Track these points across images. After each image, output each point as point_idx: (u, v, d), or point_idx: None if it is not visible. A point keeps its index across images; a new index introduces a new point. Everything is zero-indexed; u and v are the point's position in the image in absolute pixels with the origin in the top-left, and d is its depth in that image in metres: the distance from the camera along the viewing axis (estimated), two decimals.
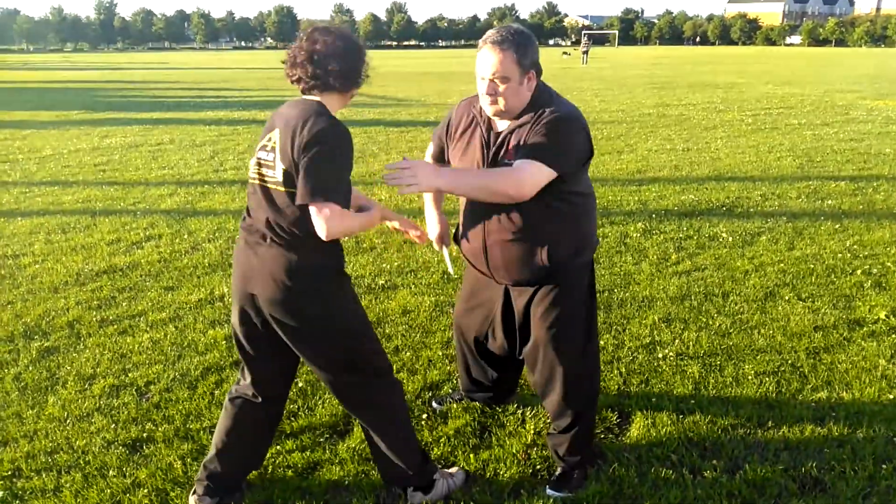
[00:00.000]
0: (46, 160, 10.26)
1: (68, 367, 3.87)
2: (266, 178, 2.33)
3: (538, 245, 2.62)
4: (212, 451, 2.67)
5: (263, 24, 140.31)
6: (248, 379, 2.61)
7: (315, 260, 2.34)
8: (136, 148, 11.33)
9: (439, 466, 2.88)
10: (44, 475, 2.93)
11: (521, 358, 2.94)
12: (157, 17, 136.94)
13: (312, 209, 2.21)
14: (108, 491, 2.82)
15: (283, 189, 2.28)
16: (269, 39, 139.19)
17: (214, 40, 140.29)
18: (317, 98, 2.35)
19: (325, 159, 2.19)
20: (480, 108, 2.63)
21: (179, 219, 6.96)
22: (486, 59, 2.48)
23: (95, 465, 2.99)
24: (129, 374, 3.79)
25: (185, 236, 6.35)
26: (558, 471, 2.90)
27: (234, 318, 2.52)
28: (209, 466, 2.67)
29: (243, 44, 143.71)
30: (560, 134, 2.49)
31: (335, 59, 2.28)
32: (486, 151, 2.60)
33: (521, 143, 2.50)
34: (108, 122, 14.68)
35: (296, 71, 2.32)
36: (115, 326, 4.41)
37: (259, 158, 2.37)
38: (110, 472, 2.94)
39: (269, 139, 2.34)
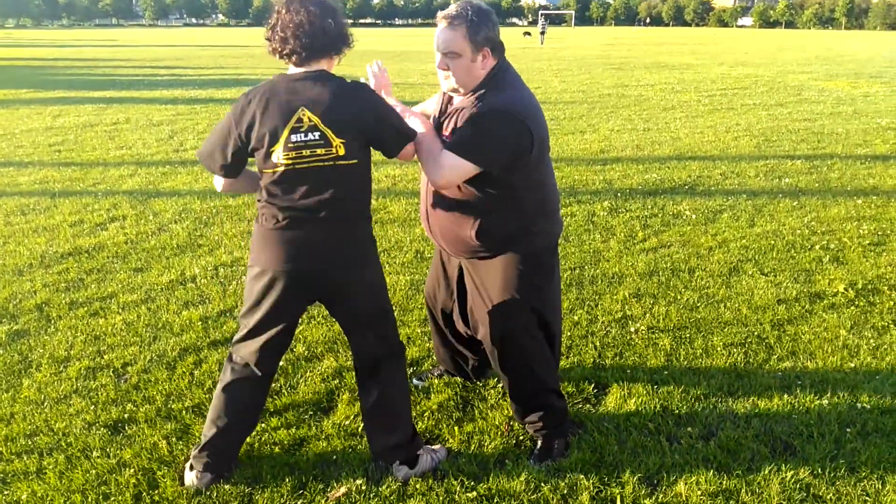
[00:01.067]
0: None
1: (41, 350, 3.81)
2: (316, 158, 2.32)
3: (467, 221, 2.67)
4: (212, 430, 2.66)
5: (215, 0, 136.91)
6: (256, 356, 2.60)
7: (367, 229, 2.54)
8: (91, 127, 11.04)
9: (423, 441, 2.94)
10: (25, 458, 2.90)
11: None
12: None
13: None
14: (94, 471, 2.80)
15: (346, 162, 2.34)
16: (220, 16, 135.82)
17: (164, 17, 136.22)
18: (316, 67, 2.37)
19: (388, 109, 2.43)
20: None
21: (143, 199, 6.83)
22: (438, 34, 2.53)
23: (78, 447, 2.96)
24: (105, 356, 3.75)
25: (150, 217, 6.24)
26: (539, 442, 2.97)
27: (272, 298, 2.48)
28: (213, 444, 2.66)
29: (194, 21, 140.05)
30: (487, 129, 2.49)
31: (325, 25, 2.30)
32: (437, 121, 2.71)
33: (455, 128, 2.56)
34: (60, 100, 14.24)
35: (287, 45, 2.31)
36: (86, 308, 4.34)
37: (296, 142, 2.30)
38: (94, 453, 2.92)
39: (299, 121, 2.29)
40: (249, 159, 2.44)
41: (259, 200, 2.47)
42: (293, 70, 2.39)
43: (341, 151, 2.32)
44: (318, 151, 2.31)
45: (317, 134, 2.30)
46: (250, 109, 2.33)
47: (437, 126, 2.69)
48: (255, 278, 2.49)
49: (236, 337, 2.63)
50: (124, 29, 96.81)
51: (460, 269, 2.97)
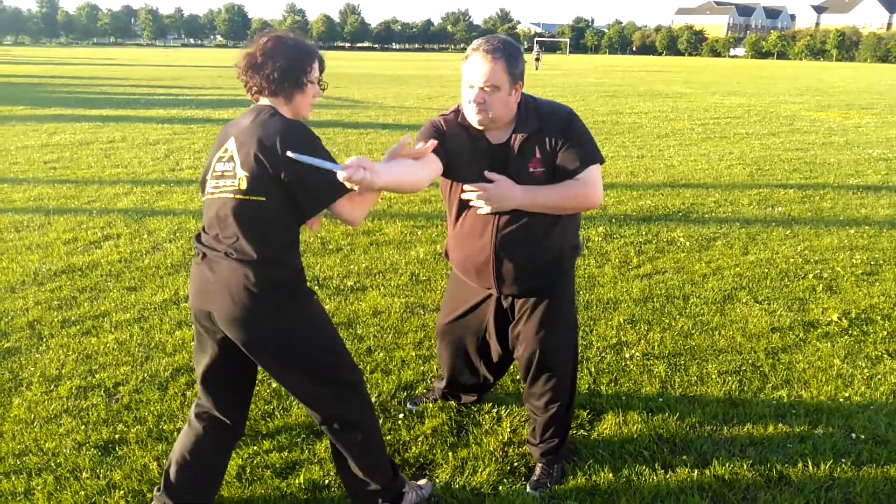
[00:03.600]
0: None
1: (32, 369, 3.77)
2: (223, 189, 2.25)
3: (548, 251, 2.69)
4: (173, 479, 2.51)
5: (213, 21, 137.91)
6: (210, 400, 2.48)
7: (277, 276, 2.27)
8: (87, 145, 11.04)
9: (408, 477, 2.87)
10: (13, 478, 2.86)
11: (514, 359, 2.99)
12: (103, 12, 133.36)
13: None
14: (83, 493, 2.77)
15: (246, 198, 2.21)
16: (218, 37, 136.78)
17: (162, 37, 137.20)
18: (266, 103, 2.33)
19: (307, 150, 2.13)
20: (471, 122, 2.57)
21: (137, 218, 6.82)
22: (476, 68, 2.45)
23: (67, 467, 2.93)
24: (96, 376, 3.72)
25: (145, 236, 6.23)
26: (537, 469, 2.95)
27: (196, 335, 2.43)
28: (173, 489, 2.51)
29: (192, 41, 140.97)
30: (585, 129, 2.63)
31: (269, 63, 2.28)
32: (494, 162, 2.57)
33: (553, 151, 2.55)
34: (56, 118, 14.25)
35: (243, 78, 2.34)
36: (78, 327, 4.31)
37: (216, 171, 2.29)
38: (83, 473, 2.89)
39: (225, 150, 2.29)
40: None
41: None
42: (254, 104, 2.39)
43: (243, 185, 2.20)
44: (227, 183, 2.24)
45: (230, 165, 2.24)
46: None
47: (503, 174, 2.57)
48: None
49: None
50: (122, 48, 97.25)
51: (498, 301, 2.91)
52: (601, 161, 2.63)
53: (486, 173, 2.55)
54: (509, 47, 2.49)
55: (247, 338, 2.27)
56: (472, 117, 2.53)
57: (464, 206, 2.71)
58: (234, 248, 2.23)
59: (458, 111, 2.67)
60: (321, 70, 2.41)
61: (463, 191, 2.61)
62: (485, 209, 2.57)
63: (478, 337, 3.07)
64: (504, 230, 2.64)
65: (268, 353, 2.32)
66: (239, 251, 2.22)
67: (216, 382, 2.47)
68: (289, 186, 2.20)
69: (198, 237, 2.37)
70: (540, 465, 2.95)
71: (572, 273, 2.91)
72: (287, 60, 2.28)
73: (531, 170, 2.57)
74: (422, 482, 2.85)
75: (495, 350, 3.05)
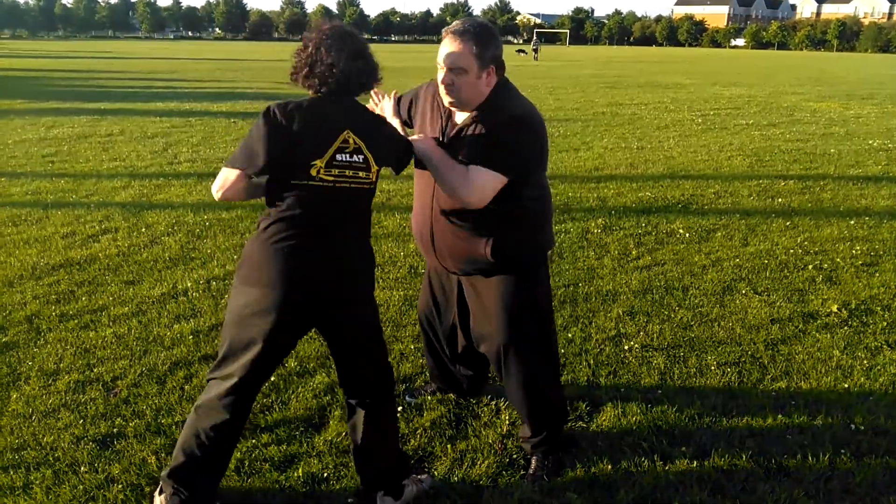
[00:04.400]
0: None
1: (30, 363, 3.76)
2: (357, 180, 2.36)
3: (481, 239, 2.66)
4: (187, 458, 2.48)
5: (212, 14, 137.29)
6: (242, 391, 2.44)
7: (374, 257, 2.58)
8: (85, 139, 11.01)
9: (412, 461, 2.91)
10: (11, 472, 2.85)
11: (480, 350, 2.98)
12: (101, 5, 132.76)
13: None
14: (81, 487, 2.76)
15: (374, 188, 2.45)
16: (217, 30, 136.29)
17: (160, 29, 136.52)
18: (350, 98, 2.40)
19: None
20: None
21: (136, 212, 6.80)
22: (445, 49, 2.50)
23: (66, 462, 2.92)
24: (95, 370, 3.71)
25: (143, 230, 6.21)
26: (533, 462, 2.95)
27: (265, 326, 2.33)
28: (184, 472, 2.49)
29: (190, 34, 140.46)
30: (514, 139, 2.52)
31: (358, 67, 2.33)
32: (441, 140, 2.64)
33: (475, 143, 2.53)
34: (54, 111, 14.21)
35: (324, 83, 2.31)
36: (76, 321, 4.30)
37: (341, 160, 2.30)
38: (81, 468, 2.88)
39: (346, 141, 2.31)
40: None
41: (270, 215, 2.36)
42: (326, 97, 2.37)
43: (374, 178, 2.42)
44: (360, 174, 2.36)
45: (361, 157, 2.34)
46: (292, 122, 2.25)
47: (443, 144, 2.63)
48: (253, 304, 2.33)
49: (216, 365, 2.48)
50: (120, 41, 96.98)
51: (459, 286, 2.95)
52: (502, 172, 2.49)
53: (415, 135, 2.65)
54: (482, 31, 2.48)
55: (366, 304, 2.54)
56: (444, 98, 2.58)
57: (417, 172, 2.78)
58: (362, 233, 2.49)
59: None
60: None
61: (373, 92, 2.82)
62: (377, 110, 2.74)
63: (447, 321, 3.10)
64: (439, 204, 2.69)
65: (366, 311, 2.55)
66: (365, 235, 2.51)
67: (264, 373, 2.49)
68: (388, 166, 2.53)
69: (294, 219, 2.31)
70: (534, 458, 2.94)
71: (535, 269, 2.81)
72: (367, 59, 2.39)
73: (461, 159, 2.53)
74: (422, 476, 2.85)
75: (461, 340, 3.08)
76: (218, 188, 2.37)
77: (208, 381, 2.50)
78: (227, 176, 2.33)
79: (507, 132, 2.51)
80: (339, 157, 2.31)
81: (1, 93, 17.73)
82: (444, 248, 2.76)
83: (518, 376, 2.83)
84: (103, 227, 6.27)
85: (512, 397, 2.95)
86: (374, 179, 2.42)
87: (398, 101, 2.94)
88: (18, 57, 38.53)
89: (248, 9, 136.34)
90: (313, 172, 2.28)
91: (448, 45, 2.48)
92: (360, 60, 2.33)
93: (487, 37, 2.48)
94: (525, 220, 2.71)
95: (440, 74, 2.54)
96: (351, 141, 2.31)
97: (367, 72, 2.36)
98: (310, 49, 2.31)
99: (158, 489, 2.57)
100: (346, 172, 2.32)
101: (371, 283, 2.58)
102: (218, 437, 2.46)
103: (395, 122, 2.75)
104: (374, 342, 2.60)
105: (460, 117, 2.63)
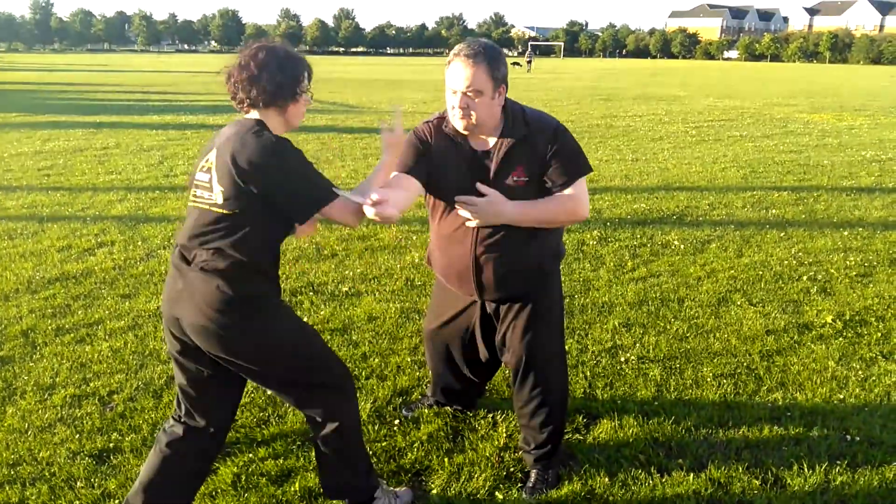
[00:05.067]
0: None
1: (25, 377, 3.76)
2: (202, 200, 2.28)
3: (528, 259, 2.69)
4: (136, 487, 2.46)
5: (207, 27, 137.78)
6: (187, 406, 2.45)
7: (247, 289, 2.27)
8: (80, 152, 11.02)
9: (405, 483, 2.90)
10: (7, 488, 2.85)
11: (502, 364, 2.99)
12: (97, 18, 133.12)
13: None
14: (78, 502, 2.75)
15: (222, 211, 2.22)
16: (213, 43, 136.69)
17: (156, 43, 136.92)
18: (255, 116, 2.33)
19: (294, 170, 2.21)
20: (454, 127, 2.58)
21: (132, 225, 6.80)
22: (458, 73, 2.45)
23: (62, 477, 2.92)
24: (91, 384, 3.70)
25: (139, 243, 6.21)
26: (532, 475, 2.95)
27: (167, 341, 2.40)
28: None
29: (186, 47, 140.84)
30: (574, 141, 2.62)
31: (265, 75, 2.27)
32: (476, 169, 2.57)
33: (539, 163, 2.54)
34: (50, 125, 14.22)
35: (236, 90, 2.32)
36: (73, 335, 4.29)
37: (197, 180, 2.31)
38: (78, 483, 2.88)
39: (207, 160, 2.30)
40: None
41: None
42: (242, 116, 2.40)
43: (218, 199, 2.22)
44: (204, 195, 2.27)
45: (208, 177, 2.27)
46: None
47: (485, 180, 2.55)
48: None
49: None
50: (116, 54, 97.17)
51: (482, 306, 2.91)
52: (589, 171, 2.64)
53: (479, 186, 2.52)
54: (491, 51, 2.48)
55: (215, 348, 2.28)
56: (457, 122, 2.53)
57: (445, 212, 2.70)
58: (206, 259, 2.24)
59: (441, 117, 2.67)
60: (310, 78, 2.42)
61: (455, 202, 2.56)
62: (473, 222, 2.57)
63: (463, 342, 3.06)
64: (484, 238, 2.63)
65: (237, 363, 2.32)
66: (211, 262, 2.23)
67: (195, 388, 2.43)
68: (267, 199, 2.21)
69: (177, 242, 2.36)
70: (534, 471, 2.95)
71: (557, 278, 2.91)
72: (283, 72, 2.28)
73: (514, 178, 2.55)
74: (400, 490, 2.82)
75: (483, 354, 3.05)
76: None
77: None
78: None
79: (563, 139, 2.58)
80: (198, 175, 2.32)
81: None
82: (492, 278, 2.70)
83: (536, 388, 2.84)
84: (99, 240, 6.27)
85: (524, 408, 2.92)
86: (220, 201, 2.21)
87: (405, 169, 2.62)
88: (14, 70, 38.57)
89: (243, 22, 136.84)
90: (188, 194, 2.37)
91: (461, 68, 2.44)
92: (244, 72, 2.29)
93: (497, 56, 2.50)
94: (552, 228, 2.76)
95: (454, 98, 2.48)
96: (208, 161, 2.29)
97: (241, 84, 2.30)
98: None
99: None
100: (196, 192, 2.31)
101: (222, 319, 2.23)
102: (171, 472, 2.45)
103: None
104: (256, 375, 2.40)
105: (479, 142, 2.60)
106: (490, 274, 2.69)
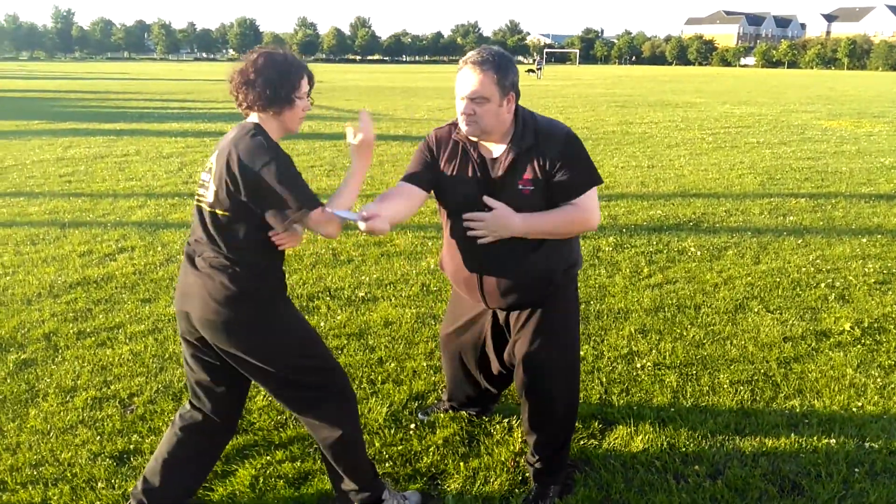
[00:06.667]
0: (8, 171, 10.05)
1: (48, 380, 3.82)
2: (201, 199, 2.39)
3: (534, 269, 2.66)
4: (153, 467, 2.59)
5: (225, 35, 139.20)
6: (200, 398, 2.57)
7: (248, 285, 2.34)
8: (101, 159, 11.17)
9: (403, 486, 2.90)
10: (30, 488, 2.89)
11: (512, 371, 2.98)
12: (117, 27, 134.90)
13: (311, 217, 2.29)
14: (99, 503, 2.79)
15: (216, 211, 2.32)
16: (231, 51, 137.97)
17: (175, 51, 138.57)
18: (254, 120, 2.40)
19: (278, 174, 2.23)
20: (464, 134, 2.59)
21: (151, 231, 6.89)
22: (466, 79, 2.48)
23: (83, 478, 2.96)
24: (111, 387, 3.76)
25: (159, 248, 6.29)
26: (534, 488, 2.90)
27: (180, 337, 2.54)
28: (149, 483, 2.58)
29: (204, 55, 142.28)
30: (581, 150, 2.60)
31: (260, 79, 2.33)
32: (483, 176, 2.58)
33: (548, 172, 2.53)
34: (71, 132, 14.43)
35: (235, 94, 2.39)
36: (94, 338, 4.36)
37: (201, 180, 2.43)
38: (99, 484, 2.92)
39: (210, 161, 2.40)
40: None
41: None
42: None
43: (212, 199, 2.33)
44: (203, 193, 2.38)
45: (208, 176, 2.38)
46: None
47: (491, 188, 2.57)
48: None
49: None
50: (136, 62, 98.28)
51: (494, 314, 2.92)
52: (600, 182, 2.62)
53: (486, 199, 2.52)
54: (500, 58, 2.49)
55: (222, 342, 2.38)
56: (465, 129, 2.56)
57: (453, 218, 2.71)
58: (209, 256, 2.35)
59: (453, 124, 2.70)
60: (311, 85, 2.47)
61: (462, 219, 2.57)
62: (485, 239, 2.54)
63: (477, 349, 3.06)
64: (488, 247, 2.60)
65: (239, 358, 2.41)
66: (214, 260, 2.35)
67: (207, 382, 2.54)
68: (253, 204, 2.28)
69: (187, 240, 2.48)
70: (535, 484, 2.92)
71: (572, 291, 2.85)
72: (277, 76, 2.34)
73: (520, 187, 2.55)
74: (407, 493, 2.84)
75: (494, 364, 3.04)
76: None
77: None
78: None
79: (573, 149, 2.57)
80: (202, 176, 2.43)
81: (19, 114, 18.02)
82: (496, 288, 2.70)
83: (547, 400, 2.82)
84: (120, 245, 6.35)
85: (526, 421, 2.92)
86: (211, 200, 2.32)
87: (409, 177, 2.69)
88: (36, 78, 39.14)
89: (261, 31, 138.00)
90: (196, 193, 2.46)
91: (468, 75, 2.47)
92: (242, 76, 2.36)
93: (506, 64, 2.50)
94: (566, 239, 2.72)
95: (461, 105, 2.52)
96: (211, 161, 2.39)
97: (239, 88, 2.36)
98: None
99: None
100: (198, 192, 2.43)
101: (228, 314, 2.33)
102: (186, 442, 2.59)
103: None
104: (258, 372, 2.45)
105: (493, 151, 2.61)
106: (494, 283, 2.69)
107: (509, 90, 2.51)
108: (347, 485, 2.65)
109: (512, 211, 2.52)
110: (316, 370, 2.52)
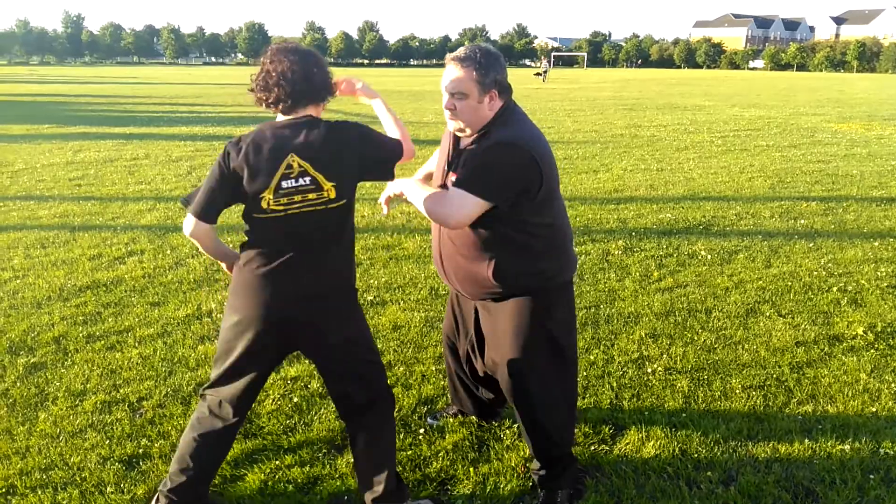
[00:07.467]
0: (19, 174, 10.10)
1: (57, 384, 3.82)
2: (308, 203, 2.36)
3: (483, 262, 2.65)
4: (181, 465, 2.61)
5: (234, 40, 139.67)
6: (232, 401, 2.57)
7: (353, 275, 2.61)
8: (111, 163, 11.21)
9: (412, 491, 2.88)
10: (39, 492, 2.89)
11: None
12: (126, 32, 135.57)
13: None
14: None
15: (336, 204, 2.41)
16: (239, 55, 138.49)
17: (184, 55, 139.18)
18: (303, 114, 2.41)
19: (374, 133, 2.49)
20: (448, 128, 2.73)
21: (161, 234, 6.90)
22: (447, 74, 2.56)
23: (92, 482, 2.96)
24: (121, 390, 3.75)
25: (168, 252, 6.30)
26: (541, 495, 2.89)
27: (247, 344, 2.46)
28: (177, 479, 2.61)
29: (213, 59, 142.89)
30: (494, 162, 2.50)
31: (307, 74, 2.36)
32: (446, 166, 2.72)
33: (464, 165, 2.56)
34: (81, 136, 14.50)
35: (271, 94, 2.37)
36: (103, 342, 4.36)
37: (286, 187, 2.33)
38: (108, 488, 2.91)
39: (290, 166, 2.32)
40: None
41: (245, 244, 2.48)
42: (280, 118, 2.44)
43: (332, 195, 2.38)
44: (311, 196, 2.36)
45: (308, 179, 2.34)
46: (240, 157, 2.34)
47: (448, 168, 2.70)
48: (235, 326, 2.47)
49: (209, 382, 2.62)
50: (145, 67, 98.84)
51: (476, 311, 2.95)
52: (479, 195, 2.47)
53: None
54: (484, 56, 2.51)
55: (341, 329, 2.51)
56: (448, 123, 2.65)
57: None
58: (334, 251, 2.46)
59: None
60: None
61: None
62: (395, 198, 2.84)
63: (464, 347, 3.10)
64: (447, 232, 2.72)
65: (339, 339, 2.53)
66: (339, 256, 2.49)
67: (252, 388, 2.59)
68: (365, 178, 2.51)
69: (262, 249, 2.42)
70: (542, 490, 2.89)
71: (557, 299, 2.77)
72: (324, 68, 2.44)
73: (452, 179, 2.58)
74: (422, 501, 2.83)
75: (479, 364, 3.05)
76: (188, 233, 2.50)
77: (201, 395, 2.65)
78: (188, 221, 2.47)
79: (490, 155, 2.51)
80: (284, 184, 2.33)
81: (29, 118, 18.12)
82: (452, 271, 2.80)
83: (524, 407, 2.81)
84: (129, 249, 6.37)
85: (520, 426, 2.92)
86: (333, 196, 2.38)
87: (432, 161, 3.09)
88: (46, 83, 39.37)
89: (269, 35, 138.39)
90: (264, 205, 2.36)
91: (450, 70, 2.54)
92: (301, 70, 2.35)
93: (489, 61, 2.51)
94: (529, 247, 2.64)
95: (444, 99, 2.60)
96: (295, 165, 2.33)
97: (307, 78, 2.36)
98: (260, 67, 2.41)
99: (155, 499, 2.67)
100: (295, 198, 2.35)
101: (347, 301, 2.56)
102: (209, 446, 2.59)
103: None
104: (359, 361, 2.59)
105: (465, 141, 2.68)
106: (449, 267, 2.81)
107: (490, 87, 2.52)
108: (377, 489, 2.68)
109: (409, 179, 2.75)
110: (379, 360, 2.73)
